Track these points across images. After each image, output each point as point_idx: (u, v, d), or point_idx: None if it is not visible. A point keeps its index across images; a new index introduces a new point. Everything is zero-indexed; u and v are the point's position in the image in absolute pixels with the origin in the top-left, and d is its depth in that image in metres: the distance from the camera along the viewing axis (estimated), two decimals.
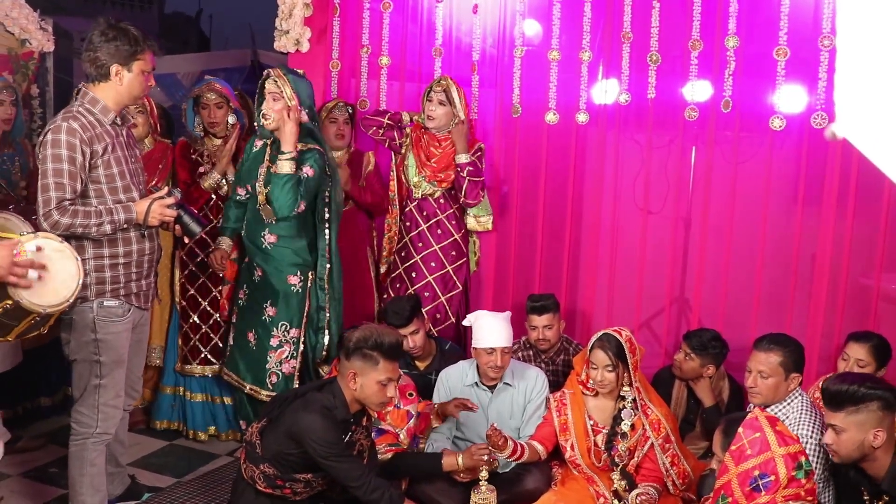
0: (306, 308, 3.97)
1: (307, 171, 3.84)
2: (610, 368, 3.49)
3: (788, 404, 3.24)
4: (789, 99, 4.04)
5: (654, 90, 4.27)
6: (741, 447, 2.59)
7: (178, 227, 3.25)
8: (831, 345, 4.06)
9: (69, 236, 3.01)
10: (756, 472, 2.53)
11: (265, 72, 3.95)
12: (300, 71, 4.04)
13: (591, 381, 3.55)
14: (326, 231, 4.01)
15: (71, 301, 2.79)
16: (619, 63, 4.34)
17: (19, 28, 4.87)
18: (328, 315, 4.02)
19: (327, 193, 4.00)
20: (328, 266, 4.00)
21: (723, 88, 4.11)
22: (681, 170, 4.42)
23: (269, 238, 3.97)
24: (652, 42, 4.24)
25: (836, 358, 4.03)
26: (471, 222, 4.61)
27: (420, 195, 4.53)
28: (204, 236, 4.39)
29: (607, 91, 4.42)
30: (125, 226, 3.15)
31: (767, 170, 4.17)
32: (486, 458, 3.41)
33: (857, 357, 3.62)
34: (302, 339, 3.95)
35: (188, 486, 3.98)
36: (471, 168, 4.40)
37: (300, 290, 3.97)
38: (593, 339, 3.57)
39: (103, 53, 3.12)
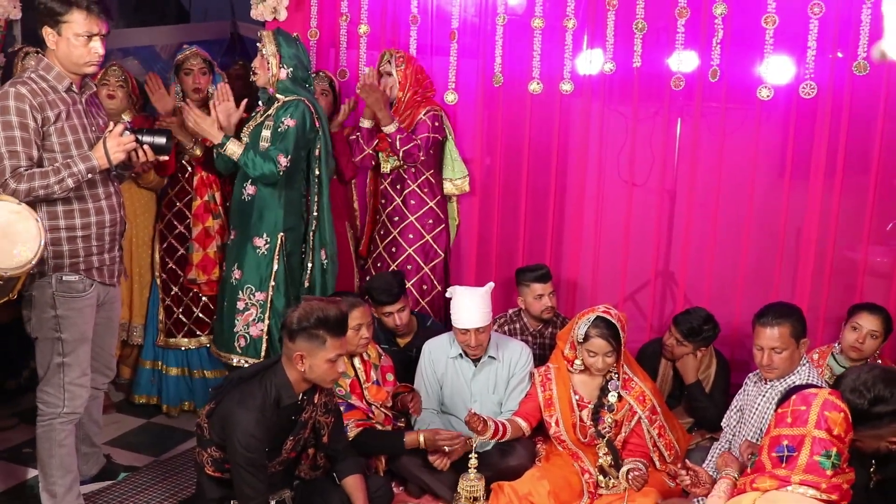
0: (272, 272, 3.86)
1: (287, 122, 3.76)
2: (610, 354, 3.43)
3: (795, 374, 3.22)
4: (778, 68, 3.96)
5: (640, 59, 4.17)
6: (784, 413, 2.52)
7: (146, 150, 3.10)
8: (817, 318, 4.02)
9: (34, 202, 2.90)
10: (785, 442, 2.46)
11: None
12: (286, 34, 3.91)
13: (592, 367, 3.47)
14: (317, 189, 3.91)
15: (34, 262, 2.73)
16: (604, 31, 4.23)
17: None
18: (308, 274, 3.91)
19: (319, 149, 3.90)
20: (315, 224, 3.91)
21: (710, 57, 4.03)
22: (667, 141, 4.34)
23: (248, 189, 3.87)
24: (638, 10, 4.14)
25: (822, 331, 4.03)
26: (447, 186, 4.50)
27: (388, 170, 4.43)
28: (182, 208, 4.33)
29: (592, 60, 4.32)
30: (89, 176, 2.99)
31: (755, 141, 4.11)
32: (447, 448, 3.42)
33: (871, 328, 3.59)
34: (269, 302, 3.86)
35: (166, 464, 3.91)
36: (400, 136, 4.21)
37: (266, 253, 3.84)
38: (584, 324, 3.45)
39: (40, 14, 2.97)
